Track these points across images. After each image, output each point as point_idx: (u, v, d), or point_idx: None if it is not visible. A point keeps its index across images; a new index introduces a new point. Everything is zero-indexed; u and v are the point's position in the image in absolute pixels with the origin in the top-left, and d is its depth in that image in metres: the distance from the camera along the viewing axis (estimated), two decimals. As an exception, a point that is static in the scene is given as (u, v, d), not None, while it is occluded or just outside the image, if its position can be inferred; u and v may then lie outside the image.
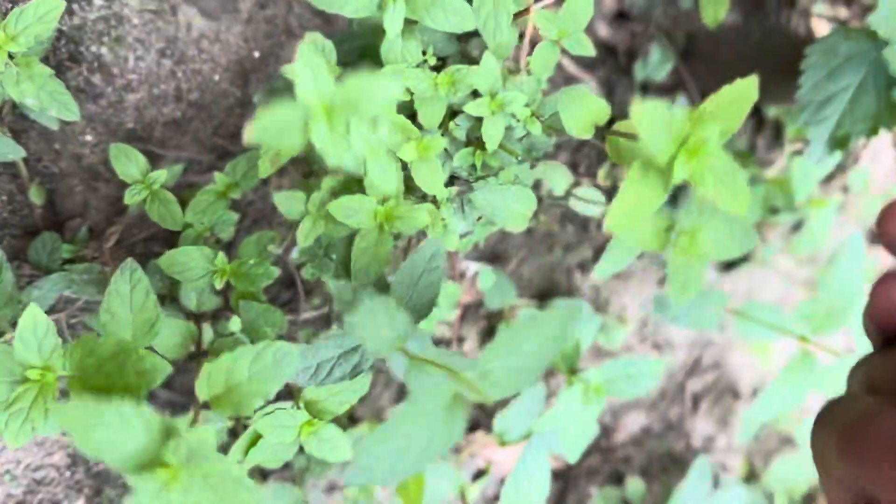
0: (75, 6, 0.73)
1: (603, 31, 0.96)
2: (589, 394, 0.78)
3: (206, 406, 0.52)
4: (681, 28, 0.98)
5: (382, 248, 0.60)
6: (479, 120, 0.66)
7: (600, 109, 0.63)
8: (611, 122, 0.65)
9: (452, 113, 0.66)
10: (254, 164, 0.69)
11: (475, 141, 0.66)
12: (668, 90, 0.98)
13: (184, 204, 0.69)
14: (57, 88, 0.64)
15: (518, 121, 0.63)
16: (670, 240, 0.68)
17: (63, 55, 0.73)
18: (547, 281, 0.99)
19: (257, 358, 0.51)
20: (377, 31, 0.63)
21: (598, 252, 1.02)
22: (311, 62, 0.48)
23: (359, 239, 0.60)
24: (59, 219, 0.76)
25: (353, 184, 0.62)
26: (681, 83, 0.98)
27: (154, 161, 0.76)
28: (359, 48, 0.65)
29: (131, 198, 0.64)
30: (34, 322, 0.53)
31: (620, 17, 0.96)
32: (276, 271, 0.65)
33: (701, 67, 0.98)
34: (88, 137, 0.75)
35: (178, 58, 0.77)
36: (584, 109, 0.62)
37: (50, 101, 0.64)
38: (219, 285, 0.64)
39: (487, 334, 0.97)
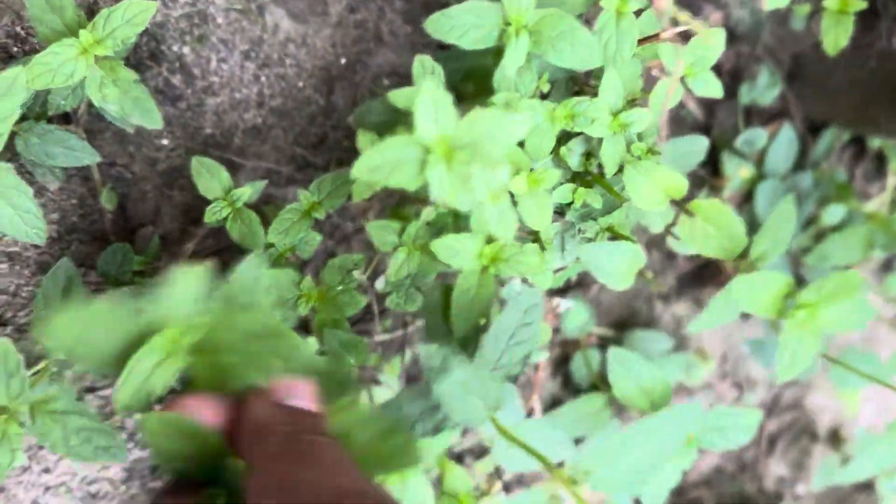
0: (159, 3, 0.68)
1: (704, 47, 0.90)
2: (684, 448, 0.73)
3: None
4: (788, 50, 0.91)
5: (484, 291, 0.56)
6: (587, 156, 0.61)
7: (675, 185, 0.58)
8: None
9: (558, 139, 0.61)
10: (340, 185, 0.65)
11: (581, 176, 0.61)
12: (772, 116, 0.91)
13: (262, 219, 0.65)
14: (141, 95, 0.60)
15: (634, 155, 0.58)
16: (787, 309, 0.63)
17: (143, 53, 0.69)
18: (627, 309, 0.94)
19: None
20: (485, 53, 0.58)
21: (682, 281, 0.96)
22: (434, 97, 0.43)
23: (461, 280, 0.56)
24: (129, 225, 0.72)
25: (455, 217, 0.58)
26: (786, 109, 0.92)
27: (232, 170, 0.72)
28: (465, 69, 0.60)
29: (212, 216, 0.60)
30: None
31: (726, 35, 0.89)
32: (364, 301, 0.60)
33: (808, 92, 0.92)
34: (165, 142, 0.71)
35: (262, 61, 0.73)
36: (654, 184, 0.57)
37: (132, 108, 0.60)
38: (304, 311, 0.60)
39: (562, 362, 0.92)
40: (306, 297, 0.59)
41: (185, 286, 0.46)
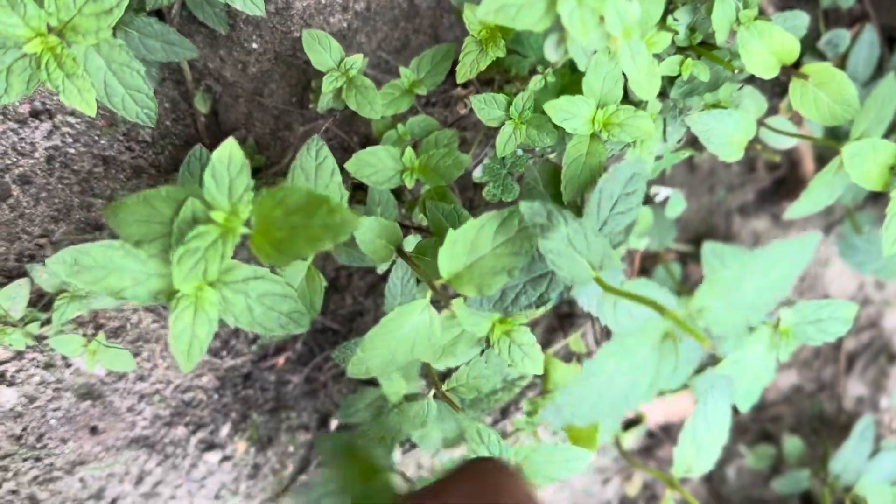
0: None
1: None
2: (775, 339, 0.72)
3: (444, 288, 0.48)
4: (866, -46, 0.89)
5: (595, 158, 0.55)
6: (691, 30, 0.60)
7: (789, 48, 0.57)
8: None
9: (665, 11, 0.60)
10: (439, 61, 0.65)
11: (685, 51, 0.60)
12: (852, 20, 0.90)
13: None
14: (244, -21, 0.60)
15: (740, 22, 0.57)
16: (893, 182, 0.62)
17: (232, -45, 0.69)
18: (704, 224, 0.93)
19: (503, 225, 0.47)
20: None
21: (761, 195, 0.95)
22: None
23: (571, 147, 0.55)
24: (222, 130, 0.72)
25: (565, 89, 0.57)
26: (865, 13, 0.90)
27: (319, 75, 0.72)
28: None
29: (329, 85, 0.60)
30: (229, 157, 0.49)
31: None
32: (467, 159, 0.60)
33: (885, 1, 0.90)
34: (254, 45, 0.71)
35: (347, -37, 0.73)
36: (769, 47, 0.56)
37: (236, -8, 0.60)
38: (410, 183, 0.60)
39: (640, 276, 0.91)
40: (410, 170, 0.59)
41: (229, 164, 0.47)
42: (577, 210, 0.58)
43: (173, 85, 0.70)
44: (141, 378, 0.75)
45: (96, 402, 0.74)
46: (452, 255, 0.50)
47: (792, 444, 0.97)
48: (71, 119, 0.67)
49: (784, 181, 0.95)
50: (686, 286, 0.90)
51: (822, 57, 0.85)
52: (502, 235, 0.50)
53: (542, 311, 0.63)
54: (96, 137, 0.68)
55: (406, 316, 0.51)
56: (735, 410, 0.80)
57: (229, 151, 0.49)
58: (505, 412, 0.88)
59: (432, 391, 0.64)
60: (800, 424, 1.03)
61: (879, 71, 0.92)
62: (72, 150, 0.68)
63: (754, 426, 1.02)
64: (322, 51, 0.61)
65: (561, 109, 0.53)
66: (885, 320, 1.07)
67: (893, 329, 1.07)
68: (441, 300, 0.53)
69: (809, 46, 0.85)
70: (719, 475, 1.02)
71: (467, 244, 0.50)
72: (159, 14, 0.67)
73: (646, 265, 0.91)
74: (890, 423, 1.04)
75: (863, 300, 1.04)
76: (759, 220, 0.95)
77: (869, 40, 0.86)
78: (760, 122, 0.71)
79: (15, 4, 0.46)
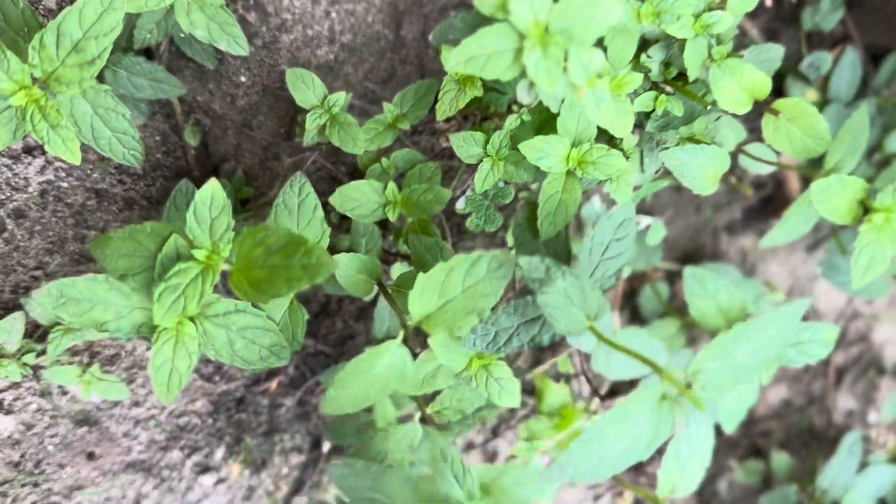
0: (232, -59, 0.70)
1: (764, -24, 0.90)
2: (756, 361, 0.73)
3: (416, 330, 0.50)
4: (848, -26, 0.90)
5: (570, 194, 0.57)
6: (666, 65, 0.61)
7: (760, 84, 0.58)
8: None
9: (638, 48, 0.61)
10: (420, 98, 0.66)
11: (660, 86, 0.61)
12: (834, 42, 0.91)
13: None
14: (227, 20, 0.61)
15: (713, 59, 0.58)
16: (862, 215, 0.63)
17: (220, -8, 0.70)
18: (692, 243, 0.94)
19: (472, 269, 0.49)
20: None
21: (748, 214, 0.96)
22: (530, -17, 0.44)
23: (546, 185, 0.57)
24: (212, 161, 0.74)
25: (539, 125, 0.59)
26: (847, 35, 0.91)
27: (303, 108, 0.73)
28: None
29: (312, 122, 0.62)
30: (212, 197, 0.50)
31: (785, -39, 0.89)
32: (448, 194, 0.61)
33: (868, 19, 0.91)
34: (242, 78, 0.73)
35: (332, -3, 0.74)
36: (740, 84, 0.58)
37: (220, 34, 0.61)
38: (392, 216, 0.62)
39: (630, 296, 0.93)
40: (392, 204, 0.60)
41: (210, 204, 0.49)
42: (558, 245, 0.59)
43: (163, 118, 0.72)
44: (136, 404, 0.77)
45: (93, 427, 0.76)
46: (423, 297, 0.52)
47: (780, 459, 0.98)
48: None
49: (771, 199, 0.96)
50: (673, 305, 0.92)
51: (804, 79, 0.86)
52: (472, 278, 0.51)
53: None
54: (89, 171, 0.70)
55: (377, 356, 0.52)
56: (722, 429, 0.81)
57: (211, 191, 0.51)
58: (496, 431, 0.90)
59: (419, 414, 0.65)
60: (790, 439, 1.04)
61: (864, 89, 0.93)
62: (65, 184, 0.69)
63: (745, 441, 1.03)
64: (305, 89, 0.63)
65: (536, 149, 0.54)
66: (875, 334, 1.08)
67: (883, 342, 1.08)
68: (410, 342, 0.55)
69: (792, 69, 0.86)
70: (711, 490, 1.03)
71: (437, 287, 0.52)
72: (147, 52, 0.68)
73: (634, 285, 0.92)
74: (877, 437, 1.05)
75: (852, 314, 1.05)
76: (746, 238, 0.97)
77: (850, 61, 0.88)
78: (740, 149, 0.72)
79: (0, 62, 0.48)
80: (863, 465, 0.93)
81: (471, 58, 0.46)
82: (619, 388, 0.83)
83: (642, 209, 0.87)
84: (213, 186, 0.51)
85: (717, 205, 0.94)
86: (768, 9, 0.88)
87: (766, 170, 0.74)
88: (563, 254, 0.59)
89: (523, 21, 0.45)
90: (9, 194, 0.68)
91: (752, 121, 0.86)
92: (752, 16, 0.87)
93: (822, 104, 0.88)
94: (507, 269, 0.53)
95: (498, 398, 0.59)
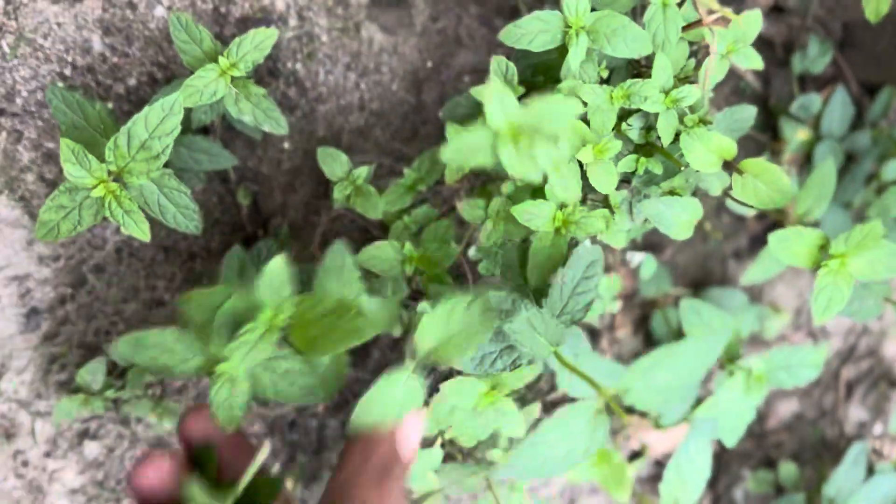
0: (272, 27, 0.81)
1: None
2: (750, 383, 0.81)
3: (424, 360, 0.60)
4: (838, 18, 0.97)
5: (557, 250, 0.66)
6: (647, 129, 0.70)
7: (726, 148, 0.66)
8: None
9: (620, 116, 0.70)
10: (435, 163, 0.76)
11: (644, 147, 0.70)
12: (826, 81, 0.97)
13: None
14: (269, 106, 0.72)
15: (687, 126, 0.67)
16: (821, 259, 0.70)
17: (263, 71, 0.82)
18: (701, 269, 1.02)
19: (469, 308, 0.59)
20: (551, 50, 0.68)
21: (754, 241, 1.03)
22: (499, 91, 0.54)
23: (536, 241, 0.66)
24: (261, 217, 0.85)
25: (532, 190, 0.68)
26: (839, 74, 0.98)
27: (341, 165, 0.84)
28: (534, 64, 0.70)
29: (339, 192, 0.73)
30: (278, 270, 0.61)
31: (776, 10, 0.96)
32: (456, 250, 0.71)
33: (859, 58, 0.98)
34: (286, 145, 0.84)
35: (361, 70, 0.85)
36: (708, 148, 0.66)
37: (263, 118, 0.72)
38: (409, 271, 0.71)
39: (641, 322, 1.01)
40: (409, 260, 0.70)
41: (275, 275, 0.60)
42: (542, 289, 0.68)
43: (219, 182, 0.83)
44: (202, 427, 0.89)
45: (166, 449, 0.88)
46: (429, 333, 0.61)
47: (787, 469, 1.05)
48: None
49: (774, 227, 1.03)
50: (682, 330, 0.99)
51: (797, 120, 0.93)
52: (469, 316, 0.61)
53: (533, 373, 0.73)
54: (157, 230, 0.82)
55: (392, 384, 0.62)
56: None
57: (278, 265, 0.61)
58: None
59: (439, 440, 0.75)
60: (802, 450, 1.11)
61: (860, 121, 1.00)
62: (136, 243, 0.81)
63: (758, 452, 1.10)
64: (334, 164, 0.73)
65: (525, 212, 0.64)
66: (885, 349, 1.13)
67: (893, 357, 1.14)
68: (418, 369, 0.64)
69: (783, 110, 0.94)
70: (728, 498, 1.10)
71: (441, 324, 0.61)
72: (204, 129, 0.80)
73: (646, 311, 1.01)
74: (881, 447, 1.11)
75: (861, 330, 1.11)
76: (752, 264, 1.04)
77: (841, 100, 0.94)
78: (726, 193, 0.80)
79: (81, 160, 0.59)
80: (868, 475, 1.00)
81: (457, 150, 0.56)
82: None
83: (641, 243, 0.95)
84: (279, 262, 0.61)
85: (723, 234, 1.02)
86: (762, 54, 0.96)
87: (751, 212, 0.82)
88: (546, 291, 0.68)
89: (497, 122, 0.54)
90: (90, 253, 0.81)
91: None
92: (746, 62, 0.94)
93: (816, 140, 0.95)
94: (493, 314, 0.63)
95: (506, 430, 0.68)
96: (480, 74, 0.88)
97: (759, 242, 1.03)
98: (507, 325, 0.63)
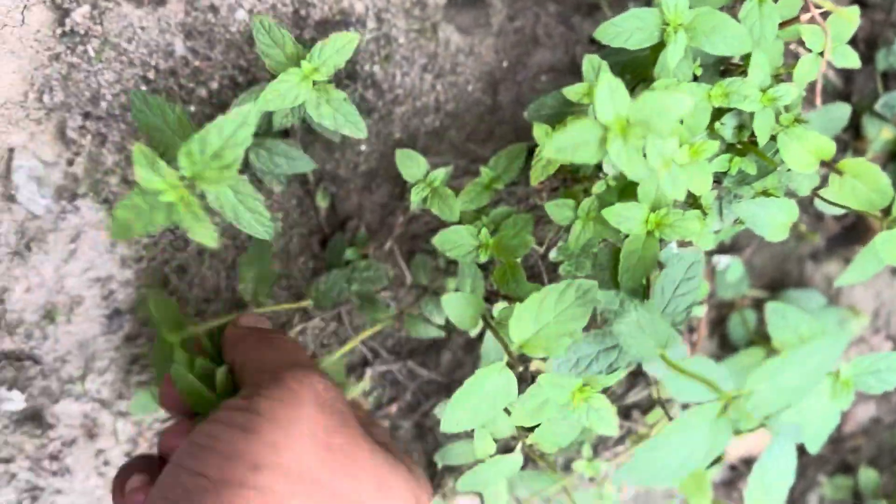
0: (351, 29, 0.81)
1: (839, 18, 0.94)
2: (837, 388, 0.79)
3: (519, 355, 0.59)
4: (925, 11, 0.94)
5: (649, 252, 0.65)
6: (739, 128, 0.68)
7: (824, 147, 0.65)
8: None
9: (712, 116, 0.69)
10: (512, 160, 0.76)
11: (735, 147, 0.69)
12: (912, 77, 0.95)
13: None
14: (350, 111, 0.72)
15: (783, 125, 0.65)
16: None
17: (342, 75, 0.82)
18: (778, 271, 1.00)
19: (561, 296, 0.58)
20: (641, 49, 0.67)
21: (832, 242, 1.01)
22: (609, 83, 0.53)
23: (628, 243, 0.65)
24: (338, 219, 0.85)
25: (621, 190, 0.67)
26: (925, 70, 0.95)
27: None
28: (622, 63, 0.69)
29: (417, 195, 0.72)
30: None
31: (858, 4, 0.94)
32: (532, 240, 0.70)
33: (948, 52, 0.95)
34: (363, 147, 0.84)
35: (437, 72, 0.84)
36: (805, 148, 0.64)
37: (343, 122, 0.72)
38: (484, 257, 0.71)
39: (717, 325, 0.99)
40: (484, 246, 0.70)
41: None
42: (638, 291, 0.67)
43: (298, 185, 0.83)
44: (278, 428, 0.89)
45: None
46: (520, 325, 0.61)
47: (867, 475, 1.02)
48: (217, 220, 0.81)
49: (853, 227, 1.00)
50: (761, 330, 0.98)
51: (881, 118, 0.91)
52: (562, 305, 0.60)
53: (624, 374, 0.72)
54: (237, 232, 0.82)
55: (486, 377, 0.61)
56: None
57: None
58: (596, 451, 0.98)
59: (520, 445, 0.74)
60: (880, 455, 1.08)
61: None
62: (218, 244, 0.82)
63: (835, 458, 1.08)
64: (412, 166, 0.73)
65: (617, 214, 0.63)
66: (967, 352, 1.10)
67: (976, 361, 1.10)
68: (513, 363, 0.64)
69: (866, 108, 0.91)
70: (802, 503, 1.08)
71: (532, 315, 0.60)
72: (285, 132, 0.80)
73: (723, 313, 0.99)
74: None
75: (942, 334, 1.08)
76: (830, 265, 1.01)
77: (927, 97, 0.92)
78: (815, 194, 0.78)
79: (153, 164, 0.59)
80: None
81: (561, 147, 0.55)
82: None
83: (725, 246, 0.93)
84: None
85: (800, 235, 1.00)
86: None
87: (839, 212, 0.79)
88: (638, 293, 0.67)
89: (606, 116, 0.54)
90: (172, 254, 0.82)
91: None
92: (828, 59, 0.92)
93: (901, 138, 0.93)
94: (592, 294, 0.62)
95: (598, 427, 0.67)
96: (557, 74, 0.87)
97: (837, 243, 1.01)
98: (616, 325, 0.62)
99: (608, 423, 0.68)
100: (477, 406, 0.61)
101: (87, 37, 0.74)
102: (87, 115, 0.76)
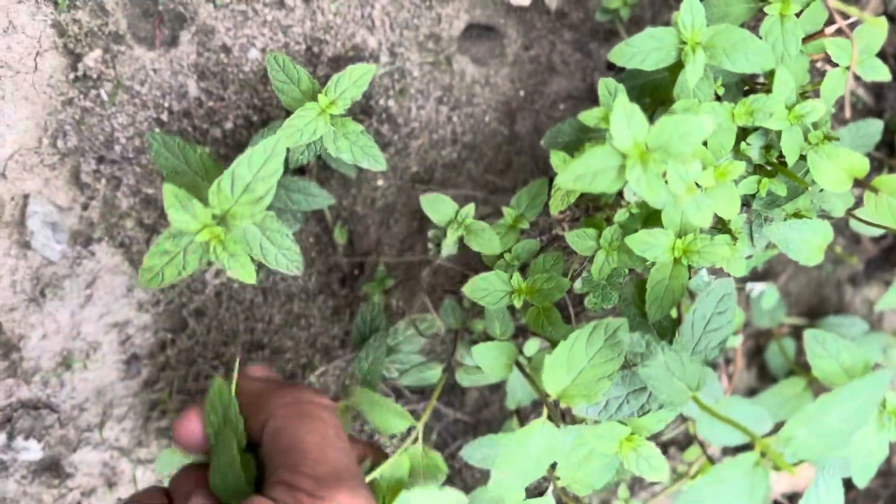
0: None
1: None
2: (884, 419, 0.75)
3: (556, 403, 0.56)
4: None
5: (677, 281, 0.62)
6: (766, 148, 0.66)
7: (857, 165, 0.62)
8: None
9: (737, 137, 0.66)
10: (534, 197, 0.73)
11: (763, 168, 0.66)
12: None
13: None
14: (367, 143, 0.71)
15: (812, 143, 0.62)
16: None
17: (356, 109, 0.80)
18: (816, 296, 0.96)
19: (591, 340, 0.55)
20: (659, 70, 0.64)
21: (870, 265, 0.97)
22: (626, 109, 0.51)
23: (654, 272, 0.62)
24: (357, 255, 0.84)
25: (645, 218, 0.64)
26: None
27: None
28: (639, 86, 0.67)
29: (453, 235, 0.70)
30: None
31: (887, 19, 0.91)
32: (567, 283, 0.67)
33: None
34: (380, 182, 0.82)
35: (453, 104, 0.83)
36: (837, 166, 0.61)
37: (361, 155, 0.71)
38: (518, 304, 0.68)
39: (754, 355, 0.95)
40: (517, 292, 0.67)
41: None
42: (664, 320, 0.64)
43: (315, 222, 0.82)
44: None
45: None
46: (554, 376, 0.58)
47: (922, 512, 0.97)
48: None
49: (892, 249, 0.96)
50: (800, 360, 0.93)
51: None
52: (593, 348, 0.57)
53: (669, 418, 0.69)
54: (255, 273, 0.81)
55: (529, 436, 0.58)
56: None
57: None
58: (633, 490, 0.94)
59: (550, 488, 0.71)
60: (935, 489, 1.02)
61: None
62: (236, 285, 0.81)
63: (885, 493, 1.02)
64: (440, 208, 0.71)
65: (641, 242, 0.60)
66: None
67: None
68: (553, 416, 0.61)
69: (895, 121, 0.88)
70: (854, 542, 1.02)
71: (565, 363, 0.58)
72: (301, 169, 0.79)
73: (760, 343, 0.95)
74: None
75: None
76: (870, 289, 0.97)
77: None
78: (850, 214, 0.75)
79: (185, 205, 0.58)
80: None
81: (578, 176, 0.53)
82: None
83: (758, 273, 0.90)
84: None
85: (837, 259, 0.96)
86: (874, 67, 0.90)
87: (878, 232, 0.76)
88: (667, 327, 0.64)
89: (624, 143, 0.51)
90: (189, 297, 0.80)
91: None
92: (857, 76, 0.89)
93: (939, 155, 0.89)
94: (623, 331, 0.59)
95: (648, 475, 0.64)
96: (575, 101, 0.85)
97: (876, 266, 0.97)
98: (643, 369, 0.59)
99: (658, 470, 0.64)
100: (522, 466, 0.58)
101: (99, 81, 0.74)
102: (101, 160, 0.75)
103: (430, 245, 0.72)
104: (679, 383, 0.58)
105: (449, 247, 0.70)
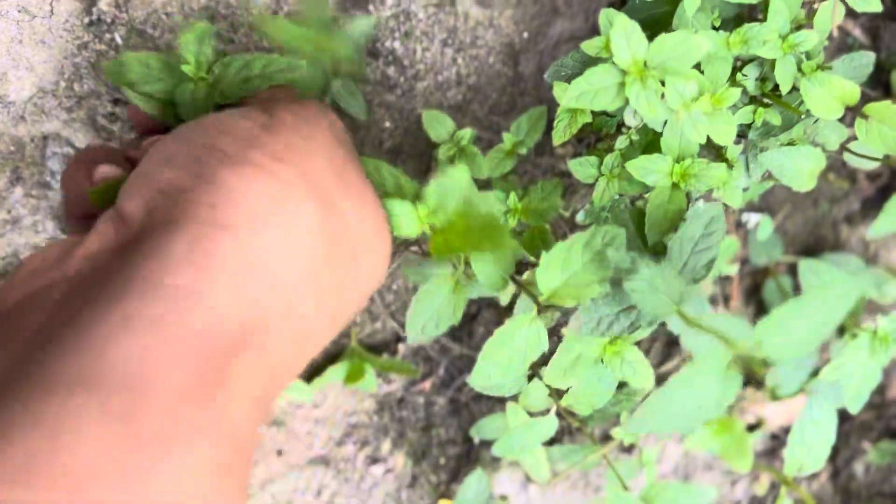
0: (371, 7, 0.82)
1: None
2: (875, 345, 0.78)
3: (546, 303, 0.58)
4: (953, -36, 0.92)
5: (675, 205, 0.64)
6: (762, 80, 0.68)
7: (849, 92, 0.64)
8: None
9: (733, 69, 0.68)
10: (534, 123, 0.76)
11: (759, 100, 0.68)
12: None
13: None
14: (355, 90, 0.74)
15: (803, 73, 0.64)
16: None
17: (364, 52, 0.82)
18: (812, 236, 0.99)
19: (589, 244, 0.57)
20: (658, 4, 0.67)
21: (866, 204, 0.99)
22: (625, 26, 0.53)
23: (653, 197, 0.65)
24: (365, 197, 0.86)
25: (647, 146, 0.67)
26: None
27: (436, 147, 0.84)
28: (640, 20, 0.68)
29: (444, 154, 0.73)
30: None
31: (884, -41, 0.92)
32: (560, 202, 0.70)
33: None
34: (387, 124, 0.85)
35: (457, 46, 0.85)
36: (829, 93, 0.63)
37: (347, 96, 0.74)
38: (513, 222, 0.70)
39: (752, 293, 0.98)
40: (513, 211, 0.70)
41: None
42: (663, 248, 0.67)
43: (323, 163, 0.84)
44: (316, 406, 0.90)
45: (280, 428, 0.89)
46: (548, 275, 0.60)
47: (914, 440, 1.00)
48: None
49: (888, 188, 0.99)
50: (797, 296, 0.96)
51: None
52: (589, 252, 0.60)
53: (651, 331, 0.72)
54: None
55: (516, 328, 0.61)
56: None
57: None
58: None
59: (554, 408, 0.74)
60: (928, 420, 1.06)
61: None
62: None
63: (878, 424, 1.05)
64: (439, 127, 0.73)
65: (641, 167, 0.62)
66: None
67: None
68: (542, 313, 0.63)
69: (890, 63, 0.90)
70: (847, 472, 1.06)
71: (560, 264, 0.60)
72: (309, 109, 0.81)
73: (758, 280, 0.98)
74: None
75: None
76: (866, 228, 1.00)
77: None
78: (844, 148, 0.77)
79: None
80: None
81: (581, 93, 0.55)
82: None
83: (754, 207, 0.92)
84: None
85: (833, 198, 0.98)
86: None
87: (871, 165, 0.78)
88: (661, 253, 0.67)
89: (623, 59, 0.54)
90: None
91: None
92: (853, 15, 0.91)
93: (933, 93, 0.91)
94: (620, 242, 0.61)
95: (632, 380, 0.67)
96: (578, 42, 0.87)
97: (872, 204, 0.99)
98: (627, 284, 0.61)
99: (643, 375, 0.67)
100: (507, 358, 0.61)
101: (114, 25, 0.76)
102: (116, 102, 0.77)
103: (434, 164, 0.74)
104: (663, 297, 0.61)
105: (443, 164, 0.73)
